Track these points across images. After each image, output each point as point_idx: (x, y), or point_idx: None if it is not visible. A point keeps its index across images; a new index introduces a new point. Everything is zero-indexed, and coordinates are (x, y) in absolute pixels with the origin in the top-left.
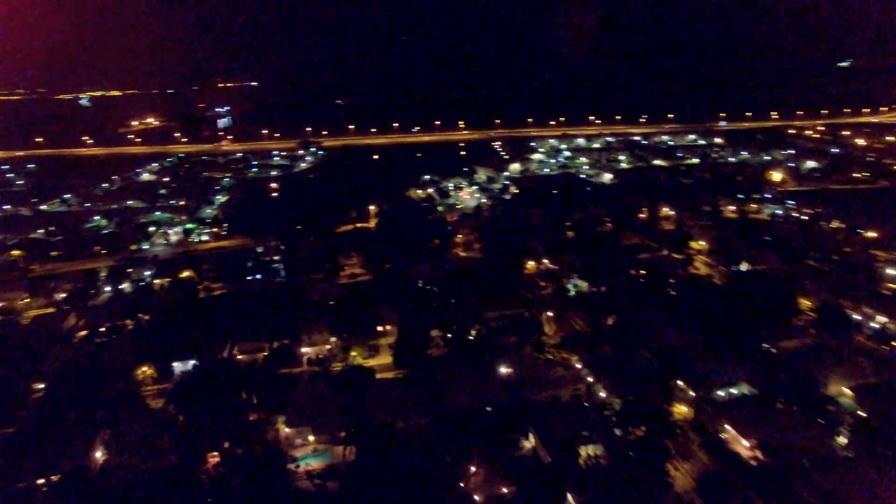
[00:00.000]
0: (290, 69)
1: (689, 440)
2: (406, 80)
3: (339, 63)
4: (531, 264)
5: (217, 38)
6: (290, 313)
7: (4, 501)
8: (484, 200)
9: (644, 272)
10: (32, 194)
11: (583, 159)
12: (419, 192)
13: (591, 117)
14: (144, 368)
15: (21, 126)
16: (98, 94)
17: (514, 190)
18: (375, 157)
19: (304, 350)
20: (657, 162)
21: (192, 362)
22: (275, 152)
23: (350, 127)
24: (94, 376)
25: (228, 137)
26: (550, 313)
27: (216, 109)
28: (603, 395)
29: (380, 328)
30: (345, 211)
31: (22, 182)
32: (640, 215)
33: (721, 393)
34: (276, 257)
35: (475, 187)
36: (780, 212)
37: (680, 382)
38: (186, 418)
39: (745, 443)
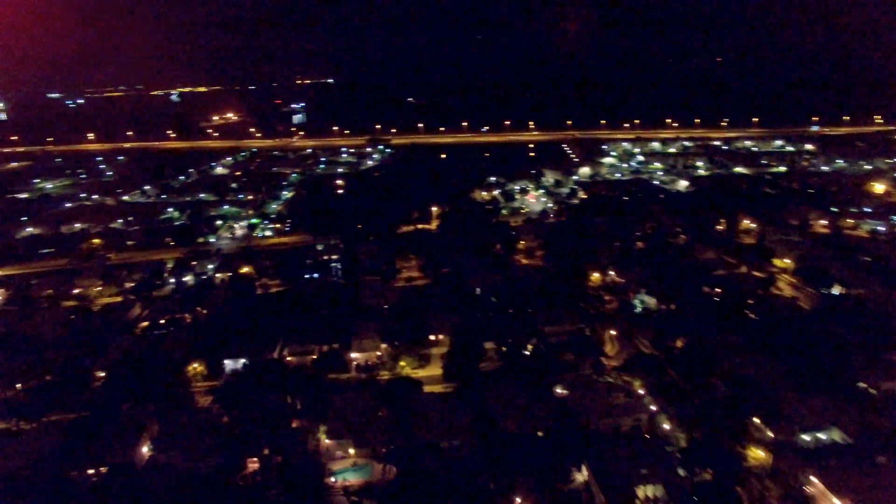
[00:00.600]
0: (366, 67)
1: (765, 490)
2: (478, 79)
3: (414, 61)
4: (596, 276)
5: (299, 35)
6: (342, 316)
7: (56, 490)
8: (550, 205)
9: (720, 291)
10: (118, 185)
11: (657, 164)
12: (484, 193)
13: (668, 120)
14: (195, 365)
15: (119, 120)
16: (187, 90)
17: (582, 195)
18: (443, 156)
19: (353, 355)
20: (739, 169)
21: (242, 361)
22: (343, 149)
23: (419, 125)
24: (150, 369)
25: (300, 133)
26: (613, 331)
27: (292, 105)
28: (667, 427)
29: (432, 337)
30: (407, 211)
31: (111, 173)
32: (718, 227)
33: (806, 438)
34: (334, 256)
35: (542, 191)
36: (882, 228)
37: (757, 421)
38: (231, 420)
39: (836, 501)
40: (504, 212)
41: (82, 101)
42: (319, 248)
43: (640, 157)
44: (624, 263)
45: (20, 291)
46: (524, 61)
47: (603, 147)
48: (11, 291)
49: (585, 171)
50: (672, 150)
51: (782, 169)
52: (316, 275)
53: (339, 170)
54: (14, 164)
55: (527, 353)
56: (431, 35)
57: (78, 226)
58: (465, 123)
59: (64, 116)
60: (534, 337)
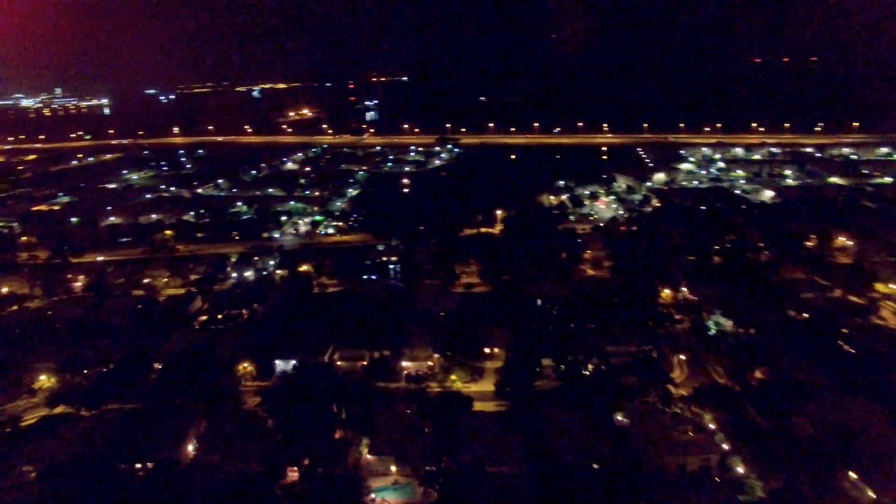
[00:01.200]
0: (441, 65)
1: None
2: (552, 79)
3: (487, 60)
4: (667, 292)
5: (376, 33)
6: (397, 321)
7: (105, 482)
8: (621, 212)
9: (809, 316)
10: (194, 178)
11: (739, 172)
12: (551, 198)
13: (754, 124)
14: (246, 364)
15: (204, 115)
16: (268, 86)
17: (655, 203)
18: (512, 156)
19: (404, 364)
20: (834, 179)
21: (292, 362)
22: (412, 147)
23: (490, 125)
24: (203, 364)
25: (371, 131)
26: (683, 356)
27: (365, 102)
28: (741, 471)
29: (487, 349)
30: (470, 213)
31: (190, 166)
32: (808, 244)
33: None
34: (393, 258)
35: (613, 197)
36: None
37: (853, 476)
38: (275, 424)
39: None
40: (571, 218)
41: (173, 96)
42: (380, 248)
43: (721, 164)
44: (699, 280)
45: (96, 279)
46: (600, 60)
47: (680, 152)
48: (89, 278)
49: (660, 177)
50: (757, 156)
51: (888, 180)
52: (374, 276)
53: (406, 168)
54: (108, 156)
55: (587, 373)
56: (506, 34)
57: (154, 216)
58: (536, 124)
59: (157, 111)
60: (595, 356)
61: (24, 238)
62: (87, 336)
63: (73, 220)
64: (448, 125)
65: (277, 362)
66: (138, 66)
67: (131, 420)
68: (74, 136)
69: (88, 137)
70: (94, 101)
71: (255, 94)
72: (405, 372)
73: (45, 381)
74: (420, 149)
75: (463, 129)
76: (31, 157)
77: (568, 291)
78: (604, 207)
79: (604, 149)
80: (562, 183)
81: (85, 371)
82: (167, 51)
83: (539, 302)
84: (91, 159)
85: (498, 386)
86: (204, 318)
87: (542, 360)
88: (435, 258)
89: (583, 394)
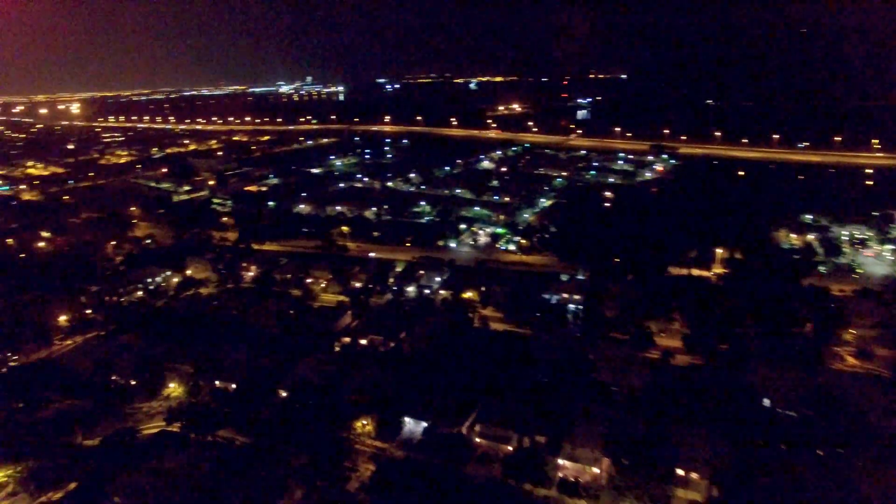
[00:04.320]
0: (665, 62)
1: None
2: (800, 78)
3: (720, 56)
4: None
5: (602, 27)
6: (564, 392)
7: None
8: None
9: None
10: (389, 169)
11: None
12: (792, 236)
13: None
14: (366, 422)
15: (418, 104)
16: (485, 79)
17: None
18: (740, 173)
19: (560, 463)
20: None
21: (423, 425)
22: (621, 154)
23: (716, 133)
24: (325, 406)
25: (578, 131)
26: None
27: (578, 100)
28: None
29: (681, 471)
30: (682, 247)
31: (391, 156)
32: None
33: None
34: (576, 296)
35: (889, 246)
36: None
37: None
38: None
39: None
40: (822, 269)
41: (398, 86)
42: (563, 278)
43: None
44: None
45: (265, 271)
46: (864, 55)
47: None
48: (260, 269)
49: None
50: None
51: None
52: (547, 316)
53: (611, 179)
54: (324, 141)
55: None
56: (743, 26)
57: (338, 208)
58: (775, 135)
59: (381, 99)
60: None
61: (223, 219)
62: (234, 339)
63: (270, 203)
64: (666, 130)
65: (406, 420)
66: (377, 57)
67: (230, 463)
68: (303, 119)
69: (315, 122)
70: (334, 89)
71: (473, 86)
72: (560, 474)
73: (174, 388)
74: (630, 156)
75: (683, 137)
76: (265, 137)
77: (815, 388)
78: (874, 259)
79: (870, 172)
80: (809, 217)
81: (216, 382)
82: (401, 43)
83: (768, 402)
84: (309, 143)
85: None
86: (347, 340)
87: None
88: (628, 305)
89: None
